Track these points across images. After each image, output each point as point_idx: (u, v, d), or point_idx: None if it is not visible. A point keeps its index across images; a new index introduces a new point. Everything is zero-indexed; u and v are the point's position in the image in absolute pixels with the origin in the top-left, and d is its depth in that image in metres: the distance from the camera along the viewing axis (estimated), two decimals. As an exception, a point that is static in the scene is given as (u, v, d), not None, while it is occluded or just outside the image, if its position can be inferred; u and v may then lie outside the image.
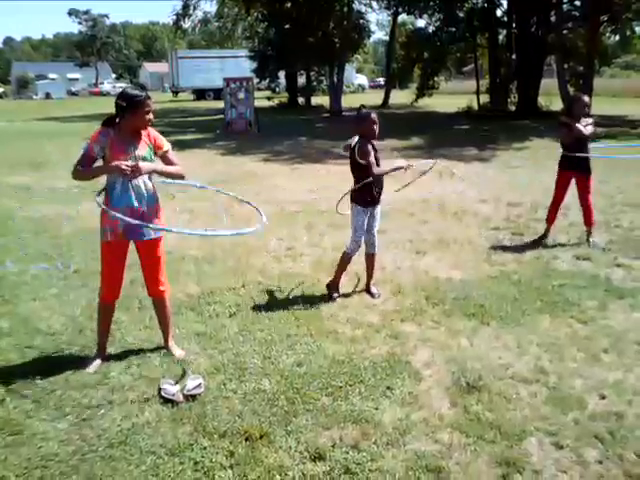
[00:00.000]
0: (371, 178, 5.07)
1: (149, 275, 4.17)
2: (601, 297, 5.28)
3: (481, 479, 2.97)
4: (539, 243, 6.97)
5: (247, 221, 7.30)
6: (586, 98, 6.88)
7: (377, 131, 5.15)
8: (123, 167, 3.71)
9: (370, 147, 5.09)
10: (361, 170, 5.12)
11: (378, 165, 5.15)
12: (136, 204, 3.89)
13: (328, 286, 5.46)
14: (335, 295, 5.37)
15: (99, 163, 3.91)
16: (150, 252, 4.08)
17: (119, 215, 3.71)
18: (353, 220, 5.28)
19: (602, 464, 3.08)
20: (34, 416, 3.51)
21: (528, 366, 4.08)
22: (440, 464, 3.06)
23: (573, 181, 6.94)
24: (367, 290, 5.48)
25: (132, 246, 4.09)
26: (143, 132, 3.95)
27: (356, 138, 5.18)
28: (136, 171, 3.76)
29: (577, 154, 6.67)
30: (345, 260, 5.41)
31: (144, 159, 3.88)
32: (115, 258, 4.00)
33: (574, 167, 6.79)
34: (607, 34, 26.92)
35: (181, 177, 4.15)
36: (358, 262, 5.54)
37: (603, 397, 3.68)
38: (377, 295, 5.37)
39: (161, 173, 4.03)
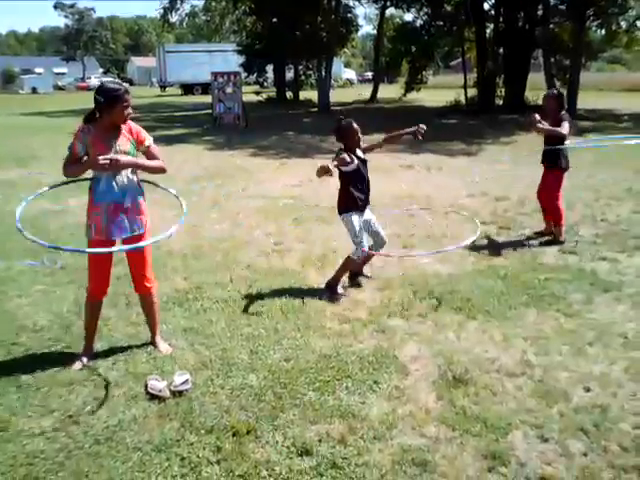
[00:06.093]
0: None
1: (135, 272, 4.15)
2: (587, 290, 5.32)
3: (467, 472, 2.99)
4: (541, 239, 6.93)
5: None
6: (550, 94, 6.90)
7: (360, 138, 5.26)
8: (101, 161, 3.70)
9: (348, 157, 5.16)
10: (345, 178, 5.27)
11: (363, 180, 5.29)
12: (120, 200, 3.88)
13: (328, 285, 5.41)
14: (340, 292, 5.34)
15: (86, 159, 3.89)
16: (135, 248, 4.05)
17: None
18: (349, 228, 5.27)
19: (587, 456, 3.10)
20: (20, 413, 3.50)
21: (514, 359, 4.11)
22: (426, 458, 3.08)
23: (566, 177, 6.92)
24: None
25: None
26: (124, 126, 3.91)
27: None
28: (115, 164, 3.74)
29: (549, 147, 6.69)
30: (348, 264, 5.38)
31: (126, 154, 3.86)
32: (101, 255, 3.98)
33: (543, 160, 6.87)
34: (593, 28, 27.04)
35: (162, 172, 4.10)
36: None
37: (588, 390, 3.72)
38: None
39: (141, 167, 3.99)
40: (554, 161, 6.74)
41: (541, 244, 6.78)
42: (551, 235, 6.91)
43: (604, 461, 3.06)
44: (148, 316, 4.32)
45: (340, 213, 5.33)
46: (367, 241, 5.35)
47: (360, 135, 5.28)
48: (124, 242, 4.01)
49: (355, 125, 5.24)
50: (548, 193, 6.86)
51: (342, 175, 5.25)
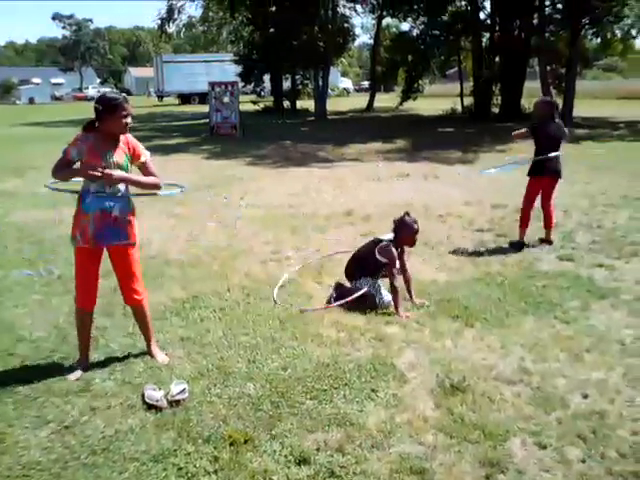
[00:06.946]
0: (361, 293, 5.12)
1: (124, 283, 4.11)
2: (584, 297, 5.33)
3: (465, 480, 2.98)
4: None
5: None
6: (540, 101, 7.24)
7: (415, 242, 5.35)
8: (94, 173, 3.70)
9: (397, 253, 5.18)
10: (376, 267, 5.20)
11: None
12: (108, 209, 3.86)
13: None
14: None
15: (78, 166, 3.88)
16: (122, 258, 4.02)
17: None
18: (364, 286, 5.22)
19: (585, 463, 3.09)
20: (15, 424, 3.47)
21: (512, 367, 4.10)
22: (424, 466, 3.06)
23: (558, 186, 7.03)
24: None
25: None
26: (122, 139, 3.91)
27: (390, 236, 5.27)
28: (107, 178, 3.74)
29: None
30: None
31: (120, 167, 3.85)
32: (88, 264, 3.96)
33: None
34: (589, 37, 27.21)
35: (156, 188, 4.07)
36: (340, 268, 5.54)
37: (586, 396, 3.71)
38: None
39: (133, 183, 3.96)
40: (530, 171, 7.03)
41: (511, 244, 6.95)
42: (550, 242, 6.94)
43: (602, 468, 3.05)
44: (141, 326, 4.29)
45: (351, 280, 5.37)
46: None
47: (417, 238, 5.34)
48: (111, 250, 4.00)
49: (416, 226, 5.27)
50: (524, 198, 7.05)
51: (375, 260, 5.18)
